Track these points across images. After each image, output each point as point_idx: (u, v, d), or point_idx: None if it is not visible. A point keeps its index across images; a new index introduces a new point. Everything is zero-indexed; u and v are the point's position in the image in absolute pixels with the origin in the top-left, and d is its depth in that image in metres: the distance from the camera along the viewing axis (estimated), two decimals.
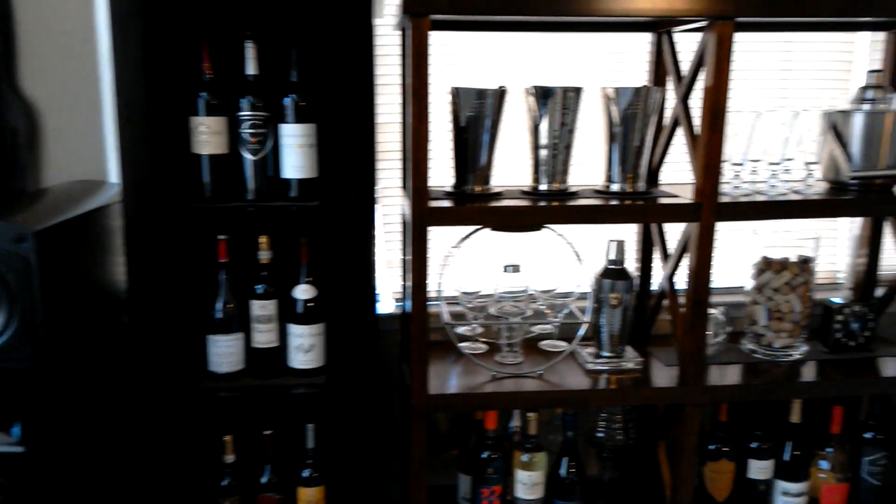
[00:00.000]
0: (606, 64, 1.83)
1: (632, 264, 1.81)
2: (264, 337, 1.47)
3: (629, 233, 1.85)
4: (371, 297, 1.48)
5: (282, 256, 1.48)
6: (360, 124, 1.38)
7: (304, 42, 1.42)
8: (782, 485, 1.69)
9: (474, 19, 1.55)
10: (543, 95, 1.49)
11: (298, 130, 1.40)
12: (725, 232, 1.89)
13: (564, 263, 1.62)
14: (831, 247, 2.00)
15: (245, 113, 1.40)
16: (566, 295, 1.67)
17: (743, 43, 1.83)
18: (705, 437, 1.70)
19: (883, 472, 1.73)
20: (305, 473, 1.55)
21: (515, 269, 1.65)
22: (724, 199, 1.49)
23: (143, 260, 1.42)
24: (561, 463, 1.65)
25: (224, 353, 1.46)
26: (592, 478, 1.76)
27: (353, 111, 1.38)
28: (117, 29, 1.34)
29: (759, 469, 1.69)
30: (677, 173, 1.80)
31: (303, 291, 1.46)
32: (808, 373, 1.63)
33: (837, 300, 1.74)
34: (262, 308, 1.45)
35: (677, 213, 1.48)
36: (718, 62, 1.38)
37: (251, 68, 1.40)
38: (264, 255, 1.45)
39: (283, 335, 1.49)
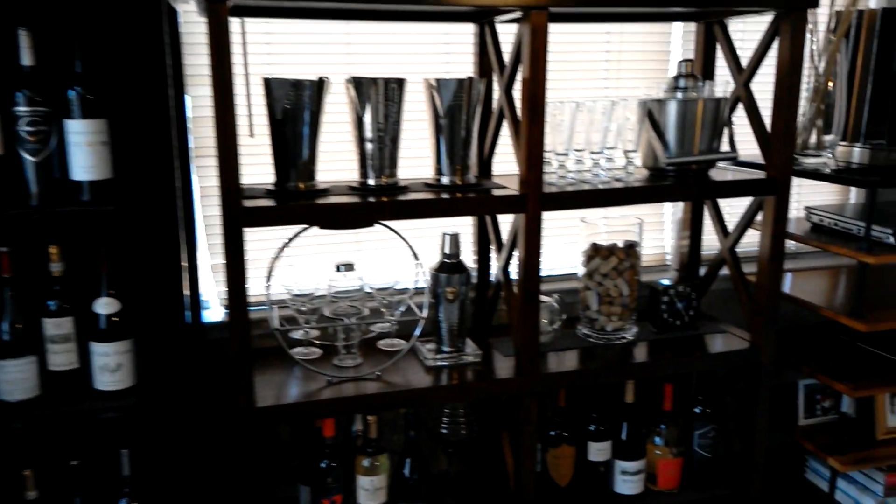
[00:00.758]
0: (439, 56, 1.80)
1: (469, 256, 1.80)
2: (61, 358, 1.31)
3: (466, 225, 1.84)
4: (180, 308, 1.36)
5: (78, 268, 1.33)
6: (155, 119, 1.26)
7: (88, 29, 1.28)
8: (621, 464, 1.74)
9: (281, 5, 1.47)
10: (364, 87, 1.44)
11: (86, 126, 1.25)
12: (559, 220, 1.93)
13: (400, 259, 1.58)
14: (658, 230, 2.10)
15: (22, 108, 1.24)
16: (403, 291, 1.63)
17: (568, 35, 1.87)
18: (546, 423, 1.72)
19: (712, 444, 1.82)
20: (122, 503, 1.41)
21: (349, 267, 1.59)
22: (550, 190, 1.51)
23: None
24: (405, 463, 1.61)
25: (14, 378, 1.30)
26: (439, 474, 1.74)
27: (147, 105, 1.26)
28: None
29: (598, 451, 1.74)
30: (512, 164, 1.81)
31: (104, 305, 1.32)
32: (639, 354, 1.68)
33: (665, 282, 1.81)
34: (56, 326, 1.30)
35: (504, 204, 1.47)
36: (534, 53, 1.38)
37: (26, 58, 1.24)
38: (56, 268, 1.30)
39: (85, 355, 1.34)
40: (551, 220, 1.94)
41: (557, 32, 1.84)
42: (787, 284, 1.96)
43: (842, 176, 1.62)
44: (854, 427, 1.88)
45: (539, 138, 1.43)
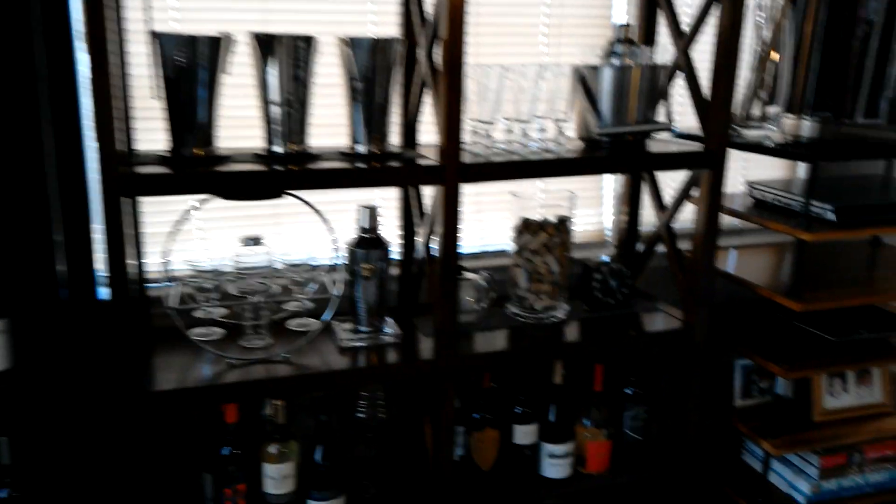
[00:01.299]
0: (366, 16, 1.68)
1: (395, 230, 1.70)
2: None
3: (391, 198, 1.74)
4: (53, 285, 1.25)
5: None
6: (17, 79, 1.13)
7: None
8: (548, 447, 1.68)
9: None
10: (268, 45, 1.31)
11: None
12: (496, 193, 1.84)
13: (319, 234, 1.47)
14: (598, 205, 2.01)
15: None
16: (315, 268, 1.53)
17: None
18: (470, 405, 1.65)
19: (643, 426, 1.77)
20: (3, 493, 1.31)
21: (255, 241, 1.48)
22: (475, 160, 1.41)
23: None
24: (315, 450, 1.52)
25: None
26: (358, 459, 1.65)
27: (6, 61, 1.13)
28: None
29: (523, 434, 1.67)
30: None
31: None
32: (568, 333, 1.61)
33: (600, 259, 1.73)
34: None
35: (419, 175, 1.37)
36: (453, 11, 1.27)
37: None
38: None
39: None
40: (487, 194, 1.85)
41: None
42: (732, 261, 1.89)
43: (777, 149, 1.54)
44: (791, 409, 1.84)
45: (457, 105, 1.32)
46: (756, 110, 1.69)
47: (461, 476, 1.67)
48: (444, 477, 1.52)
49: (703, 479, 1.98)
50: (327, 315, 1.46)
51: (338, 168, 1.33)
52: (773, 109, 1.68)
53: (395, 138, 1.64)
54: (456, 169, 1.35)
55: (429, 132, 1.62)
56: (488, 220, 1.90)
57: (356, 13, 1.66)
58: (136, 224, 1.48)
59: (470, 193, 1.86)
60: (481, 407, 1.65)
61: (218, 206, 1.64)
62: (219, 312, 1.52)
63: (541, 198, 1.65)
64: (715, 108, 1.49)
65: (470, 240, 1.88)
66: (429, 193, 1.69)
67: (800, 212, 1.61)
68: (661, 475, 1.74)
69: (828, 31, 1.62)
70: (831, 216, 1.55)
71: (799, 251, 1.59)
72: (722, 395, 1.89)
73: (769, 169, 2.16)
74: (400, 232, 1.70)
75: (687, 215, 1.81)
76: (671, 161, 1.54)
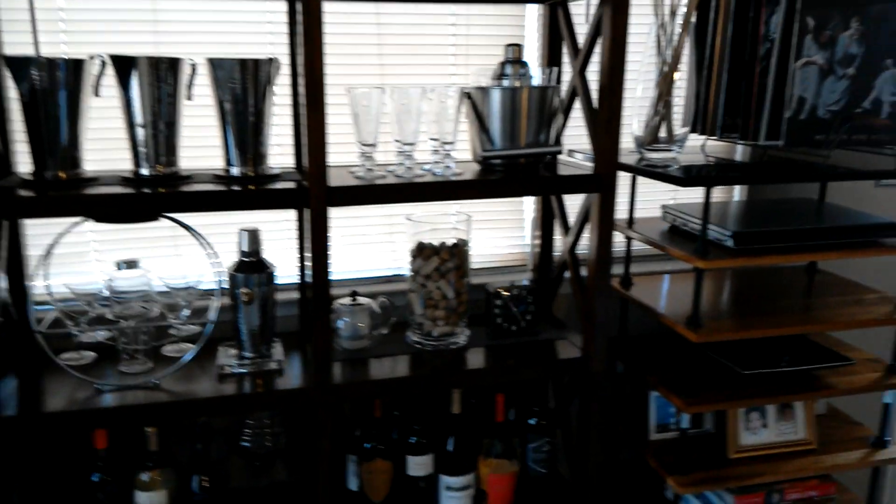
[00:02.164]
0: (262, 35, 1.66)
1: (284, 254, 1.68)
2: None
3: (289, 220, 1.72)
4: None
5: None
6: None
7: None
8: (445, 479, 1.62)
9: None
10: (126, 67, 1.30)
11: None
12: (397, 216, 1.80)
13: (199, 258, 1.45)
14: (519, 228, 1.96)
15: None
16: (190, 291, 1.50)
17: (413, 16, 1.73)
18: (362, 436, 1.60)
19: (546, 458, 1.70)
20: None
21: (131, 264, 1.46)
22: (351, 182, 1.37)
23: None
24: (192, 479, 1.49)
25: None
26: (245, 489, 1.61)
27: None
28: None
29: (417, 465, 1.61)
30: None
31: None
32: (467, 361, 1.55)
33: (524, 282, 1.68)
34: None
35: (284, 199, 1.34)
36: (309, 31, 1.24)
37: None
38: None
39: None
40: (399, 215, 1.82)
41: (400, 13, 1.71)
42: (658, 288, 1.82)
43: (658, 172, 1.49)
44: (712, 444, 1.76)
45: (320, 126, 1.29)
46: (663, 132, 1.63)
47: None
48: None
49: None
50: (200, 342, 1.43)
51: (200, 191, 1.31)
52: (681, 131, 1.63)
53: (287, 159, 1.63)
54: (322, 193, 1.32)
55: (335, 153, 1.61)
56: (384, 242, 1.86)
57: (255, 34, 1.65)
58: (13, 246, 1.47)
59: (380, 216, 1.82)
60: (372, 437, 1.60)
61: (111, 230, 1.64)
62: (103, 336, 1.50)
63: (440, 221, 1.60)
64: (602, 131, 1.44)
65: (375, 263, 1.85)
66: (336, 214, 1.68)
67: (701, 238, 1.54)
68: None
69: (733, 49, 1.57)
70: (730, 242, 1.49)
71: (697, 280, 1.52)
72: (641, 428, 1.81)
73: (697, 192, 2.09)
74: (298, 254, 1.67)
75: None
76: (561, 185, 1.49)
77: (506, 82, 1.51)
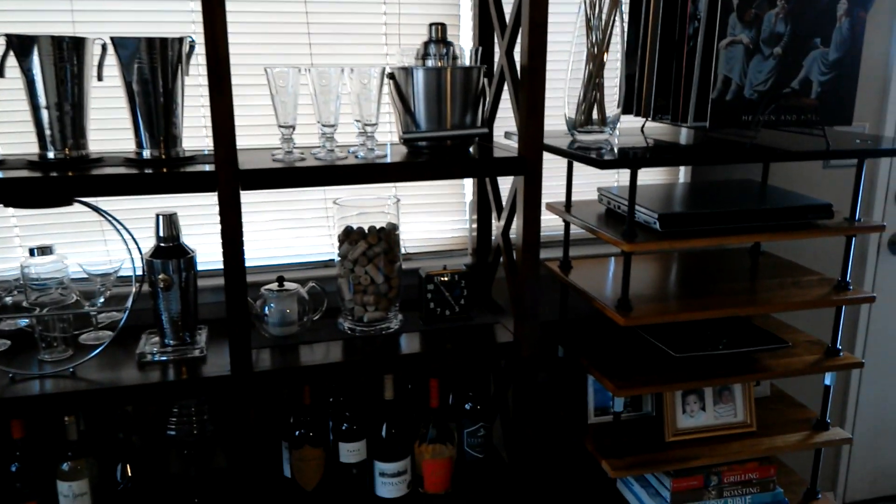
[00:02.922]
0: (192, 14, 1.62)
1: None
2: None
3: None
4: None
5: None
6: None
7: None
8: (379, 465, 1.61)
9: None
10: (26, 47, 1.26)
11: None
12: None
13: (116, 243, 1.42)
14: (461, 212, 1.94)
15: None
16: (114, 279, 1.48)
17: None
18: (293, 423, 1.58)
19: (482, 443, 1.69)
20: None
21: (45, 250, 1.43)
22: (270, 165, 1.34)
23: None
24: (117, 468, 1.47)
25: None
26: (175, 477, 1.59)
27: None
28: None
29: (349, 452, 1.59)
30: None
31: None
32: (396, 346, 1.53)
33: (462, 267, 1.66)
34: None
35: (194, 182, 1.31)
36: (209, 9, 1.20)
37: None
38: None
39: None
40: (323, 200, 1.79)
41: None
42: (607, 270, 1.80)
43: (579, 155, 1.46)
44: (649, 427, 1.74)
45: (225, 108, 1.25)
46: (595, 114, 1.60)
47: (283, 497, 1.60)
48: (257, 498, 1.45)
49: (556, 496, 1.89)
50: (117, 330, 1.40)
51: (109, 174, 1.27)
52: (613, 113, 1.60)
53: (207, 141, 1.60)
54: (231, 176, 1.29)
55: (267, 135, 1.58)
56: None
57: (177, 12, 1.61)
58: None
59: (317, 199, 1.80)
60: (301, 424, 1.58)
61: (34, 215, 1.61)
62: (25, 323, 1.47)
63: (368, 205, 1.58)
64: (525, 113, 1.41)
65: (313, 248, 1.82)
66: (270, 198, 1.65)
67: (630, 220, 1.52)
68: (504, 496, 1.66)
69: (664, 28, 1.54)
70: (657, 225, 1.46)
71: (625, 263, 1.50)
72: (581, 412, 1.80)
73: (651, 173, 2.07)
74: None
75: (553, 222, 1.74)
76: (485, 168, 1.46)
77: (430, 62, 1.48)
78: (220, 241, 1.52)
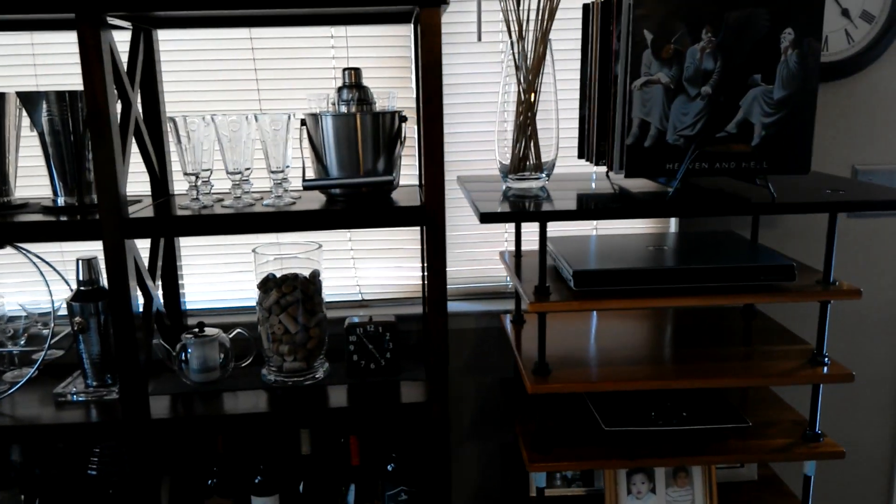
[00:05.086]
0: None
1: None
2: None
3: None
4: None
5: None
6: None
7: None
8: None
9: None
10: None
11: None
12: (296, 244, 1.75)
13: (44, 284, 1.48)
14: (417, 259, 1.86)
15: None
16: (36, 320, 1.53)
17: (292, 39, 1.70)
18: (206, 471, 1.56)
19: None
20: None
21: None
22: (181, 213, 1.35)
23: None
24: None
25: None
26: None
27: None
28: None
29: None
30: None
31: None
32: (313, 399, 1.47)
33: (393, 317, 1.59)
34: None
35: (80, 231, 1.32)
36: (86, 60, 1.23)
37: None
38: None
39: None
40: (287, 244, 1.77)
41: (274, 38, 1.68)
42: (573, 325, 1.66)
43: (473, 205, 1.34)
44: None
45: (108, 158, 1.27)
46: (532, 159, 1.48)
47: None
48: None
49: None
50: (34, 370, 1.45)
51: (24, 221, 1.33)
52: (548, 158, 1.48)
53: (142, 187, 1.63)
54: (116, 225, 1.30)
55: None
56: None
57: None
58: None
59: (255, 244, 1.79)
60: (213, 473, 1.55)
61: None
62: None
63: (286, 252, 1.54)
64: (426, 160, 1.32)
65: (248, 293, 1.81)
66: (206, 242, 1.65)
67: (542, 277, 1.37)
68: None
69: (600, 67, 1.41)
70: (571, 283, 1.32)
71: (540, 323, 1.35)
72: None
73: (640, 223, 1.90)
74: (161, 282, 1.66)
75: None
76: (388, 217, 1.38)
77: (342, 108, 1.44)
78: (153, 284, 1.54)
